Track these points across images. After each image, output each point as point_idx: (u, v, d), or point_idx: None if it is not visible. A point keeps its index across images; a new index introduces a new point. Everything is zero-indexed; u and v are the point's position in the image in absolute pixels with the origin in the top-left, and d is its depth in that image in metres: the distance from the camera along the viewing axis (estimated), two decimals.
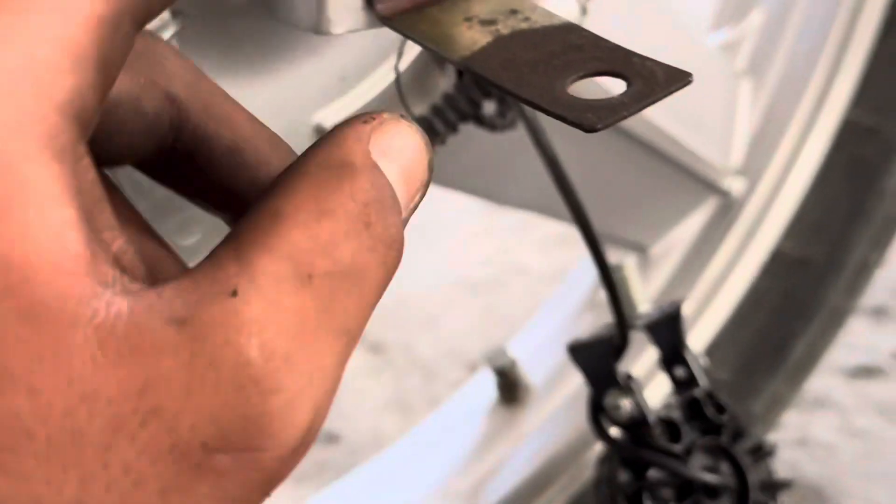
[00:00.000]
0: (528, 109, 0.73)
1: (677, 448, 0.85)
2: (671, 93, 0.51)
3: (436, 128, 0.74)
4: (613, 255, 1.10)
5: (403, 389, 1.61)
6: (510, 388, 1.09)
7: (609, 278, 0.81)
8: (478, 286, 1.78)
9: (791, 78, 1.11)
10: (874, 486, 1.17)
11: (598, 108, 0.50)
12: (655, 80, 0.51)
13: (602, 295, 1.07)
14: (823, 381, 1.33)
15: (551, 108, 0.50)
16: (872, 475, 1.18)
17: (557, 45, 0.50)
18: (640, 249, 1.12)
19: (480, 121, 0.79)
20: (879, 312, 1.40)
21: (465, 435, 1.10)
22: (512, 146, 0.92)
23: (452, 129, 0.75)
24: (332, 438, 1.56)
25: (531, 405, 1.10)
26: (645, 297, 0.90)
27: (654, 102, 0.51)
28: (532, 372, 1.12)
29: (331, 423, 1.52)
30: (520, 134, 0.81)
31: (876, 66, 1.09)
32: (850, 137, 1.11)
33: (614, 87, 0.49)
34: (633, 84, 0.51)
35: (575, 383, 1.09)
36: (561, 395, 1.09)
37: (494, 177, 0.96)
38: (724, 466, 0.88)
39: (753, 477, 0.88)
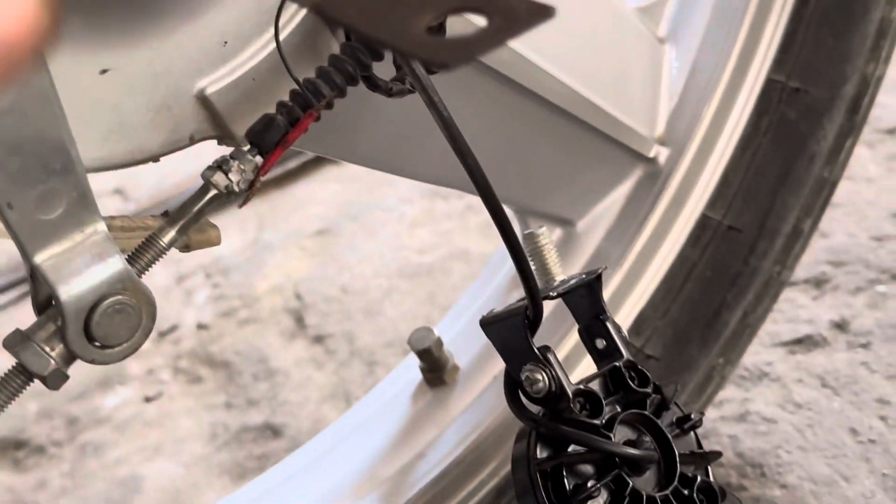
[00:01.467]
0: (420, 68, 0.70)
1: (597, 422, 0.81)
2: (532, 27, 0.48)
3: (322, 91, 0.70)
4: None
5: (346, 380, 1.58)
6: (437, 369, 1.05)
7: (515, 245, 0.77)
8: (419, 273, 1.75)
9: (713, 42, 1.08)
10: (813, 458, 1.15)
11: (453, 45, 0.47)
12: (515, 15, 0.48)
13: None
14: (764, 355, 1.30)
15: (403, 47, 0.47)
16: (812, 447, 1.16)
17: None
18: (568, 224, 1.09)
19: (374, 85, 0.76)
20: (820, 282, 1.37)
21: (391, 420, 1.06)
22: (420, 117, 0.89)
23: (340, 92, 0.71)
24: (276, 432, 1.52)
25: (459, 387, 1.06)
26: (560, 267, 0.86)
27: (513, 37, 0.47)
28: (459, 353, 1.08)
29: (273, 417, 1.49)
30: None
31: (799, 27, 1.07)
32: (775, 100, 1.08)
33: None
34: (493, 20, 0.48)
35: (503, 362, 1.06)
36: (490, 375, 1.06)
37: (404, 149, 0.93)
38: (649, 440, 0.84)
39: (679, 448, 0.85)
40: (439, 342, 1.05)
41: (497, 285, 1.13)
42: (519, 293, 1.09)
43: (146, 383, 1.77)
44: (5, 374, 0.65)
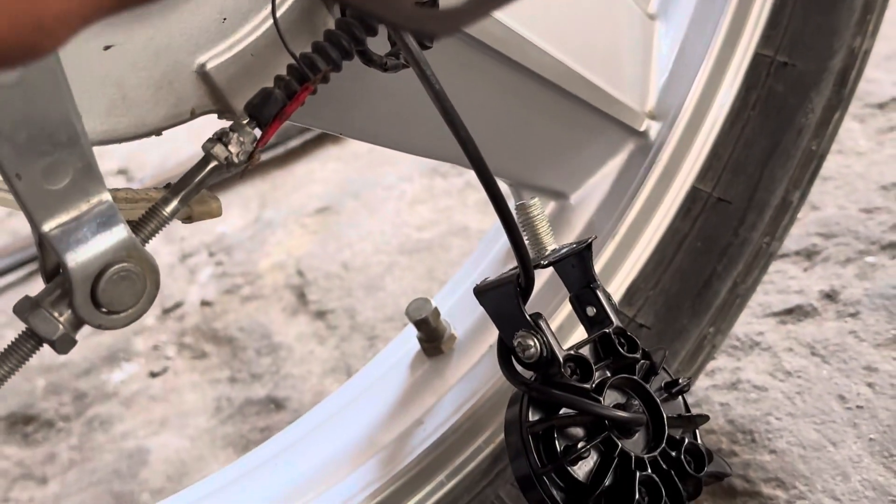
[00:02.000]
0: (412, 42, 0.72)
1: (587, 386, 0.84)
2: None
3: (317, 65, 0.73)
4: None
5: (347, 354, 1.61)
6: (434, 339, 1.08)
7: (506, 214, 0.80)
8: (419, 250, 1.77)
9: (703, 18, 1.10)
10: (802, 424, 1.17)
11: (441, 16, 0.49)
12: None
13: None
14: (755, 325, 1.33)
15: (393, 19, 0.50)
16: (800, 414, 1.19)
17: None
18: (561, 197, 1.12)
19: (369, 59, 0.78)
20: (810, 254, 1.40)
21: (389, 389, 1.09)
22: (415, 91, 0.91)
23: (335, 66, 0.74)
24: (279, 405, 1.55)
25: (456, 356, 1.09)
26: (552, 237, 0.88)
27: (499, 7, 0.50)
28: (457, 323, 1.11)
29: (276, 391, 1.52)
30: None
31: (786, 2, 1.09)
32: (764, 74, 1.10)
33: None
34: None
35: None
36: (486, 344, 1.09)
37: (399, 124, 0.95)
38: (638, 403, 0.87)
39: (667, 412, 0.88)
40: (436, 312, 1.07)
41: (493, 257, 1.16)
42: (514, 264, 1.12)
43: (152, 359, 1.80)
44: (15, 339, 0.68)
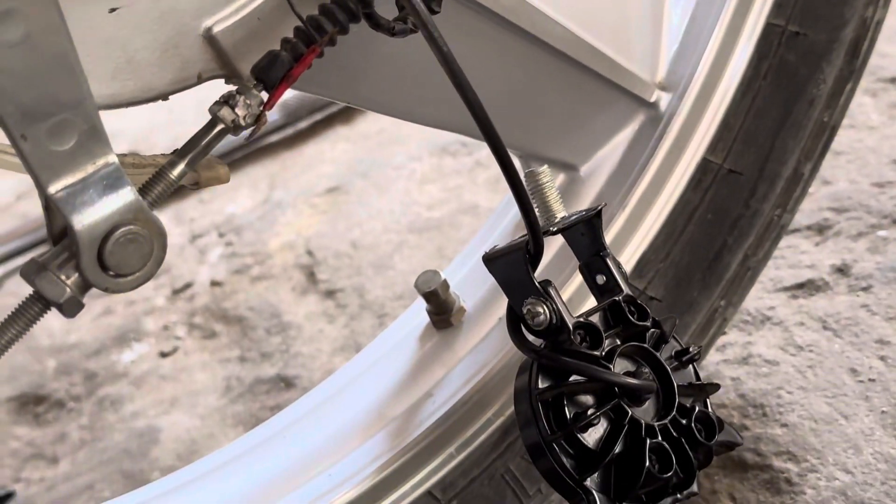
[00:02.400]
0: (421, 5, 0.72)
1: (597, 353, 0.83)
2: None
3: (324, 27, 0.72)
4: None
5: (356, 332, 1.60)
6: (443, 311, 1.08)
7: (516, 180, 0.79)
8: (429, 228, 1.77)
9: None
10: (813, 398, 1.17)
11: None
12: None
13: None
14: (767, 300, 1.32)
15: None
16: (812, 387, 1.18)
17: None
18: (571, 169, 1.11)
19: (377, 24, 0.78)
20: (822, 228, 1.39)
21: (399, 361, 1.09)
22: (424, 58, 0.91)
23: (342, 28, 0.73)
24: (288, 383, 1.55)
25: (465, 328, 1.09)
26: (561, 204, 0.88)
27: None
28: (466, 295, 1.11)
29: (286, 369, 1.51)
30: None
31: None
32: (775, 44, 1.09)
33: None
34: None
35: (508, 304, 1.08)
36: (496, 316, 1.08)
37: (407, 92, 0.95)
38: (648, 371, 0.87)
39: (677, 380, 0.87)
40: (445, 284, 1.07)
41: (503, 230, 1.15)
42: (521, 238, 1.11)
43: (162, 339, 1.80)
44: (22, 302, 0.68)
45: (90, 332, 1.88)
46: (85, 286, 0.68)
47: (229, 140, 2.20)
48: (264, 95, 0.72)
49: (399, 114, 0.97)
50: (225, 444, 1.50)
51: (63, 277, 0.67)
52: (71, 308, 0.67)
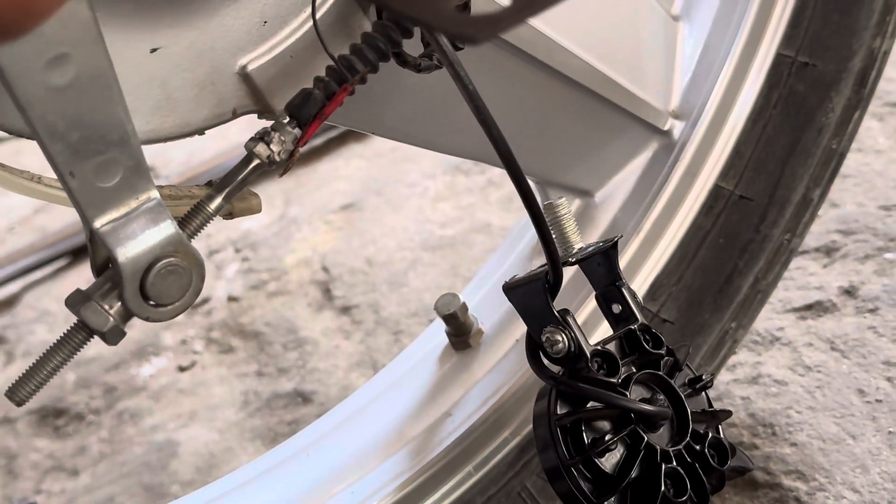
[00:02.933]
0: (444, 44, 0.75)
1: (614, 380, 0.86)
2: (553, 6, 0.53)
3: (356, 67, 0.75)
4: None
5: (372, 348, 1.63)
6: (462, 333, 1.11)
7: (537, 213, 0.82)
8: (442, 246, 1.80)
9: (725, 19, 1.12)
10: (822, 417, 1.19)
11: (480, 21, 0.52)
12: None
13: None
14: (776, 320, 1.35)
15: (435, 23, 0.52)
16: (820, 407, 1.21)
17: None
18: (586, 195, 1.14)
19: (404, 61, 0.81)
20: (830, 251, 1.42)
21: (419, 381, 1.12)
22: (446, 92, 0.94)
23: (373, 68, 0.76)
24: (306, 399, 1.58)
25: (483, 350, 1.12)
26: (579, 235, 0.91)
27: (535, 15, 0.53)
28: (483, 318, 1.13)
29: (303, 385, 1.54)
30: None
31: (807, 2, 1.11)
32: (785, 74, 1.12)
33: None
34: None
35: (525, 326, 1.11)
36: (513, 338, 1.11)
37: (429, 123, 0.98)
38: (662, 398, 0.89)
39: (691, 407, 0.90)
40: (464, 307, 1.10)
41: (518, 254, 1.18)
42: (540, 261, 1.14)
43: (180, 353, 1.83)
44: (67, 330, 0.71)
45: (109, 347, 1.91)
46: (127, 315, 0.71)
47: (229, 158, 2.24)
48: (297, 131, 0.75)
49: (421, 143, 1.00)
50: (243, 459, 1.54)
51: (106, 307, 0.70)
52: (114, 337, 0.71)
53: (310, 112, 0.75)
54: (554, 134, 1.06)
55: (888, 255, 1.37)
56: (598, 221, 1.14)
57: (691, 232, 1.13)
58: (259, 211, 0.82)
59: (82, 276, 2.19)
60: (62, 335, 0.71)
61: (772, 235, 1.15)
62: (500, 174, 1.92)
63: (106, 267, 0.71)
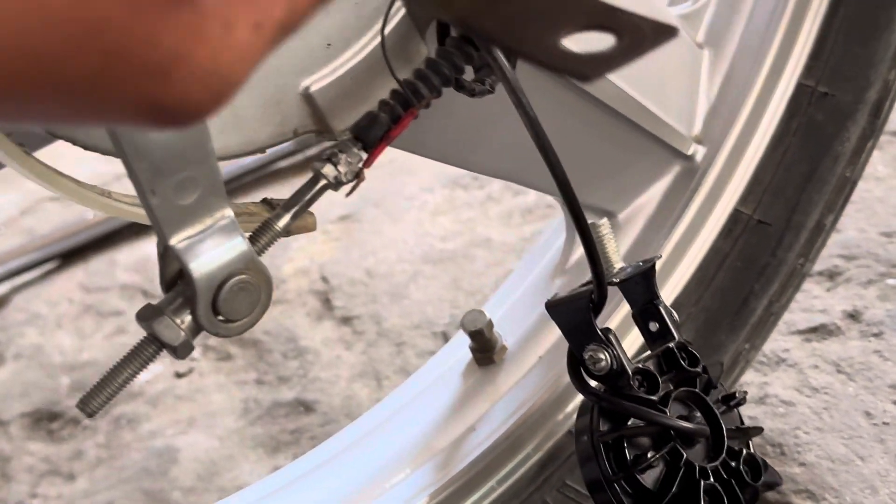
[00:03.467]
0: (509, 73, 0.77)
1: (654, 398, 0.89)
2: (657, 46, 0.55)
3: (421, 91, 0.77)
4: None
5: (374, 359, 1.65)
6: (487, 349, 1.13)
7: (587, 235, 0.85)
8: (443, 259, 1.82)
9: (749, 48, 1.15)
10: (830, 438, 1.22)
11: (591, 60, 0.54)
12: (643, 34, 0.55)
13: (573, 259, 1.12)
14: (781, 342, 1.38)
15: (547, 60, 0.54)
16: (828, 428, 1.24)
17: (545, 2, 0.54)
18: (610, 215, 1.16)
19: (461, 86, 0.83)
20: (833, 275, 1.46)
21: (443, 395, 1.14)
22: (487, 114, 0.96)
23: (437, 92, 0.78)
24: (308, 408, 1.59)
25: (506, 366, 1.14)
26: (619, 256, 0.93)
27: (642, 55, 0.55)
28: (505, 335, 1.15)
29: (305, 394, 1.55)
30: (496, 101, 0.85)
31: (828, 35, 1.14)
32: (805, 103, 1.16)
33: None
34: (622, 38, 0.55)
35: (548, 343, 1.14)
36: (535, 356, 1.13)
37: (470, 144, 1.00)
38: (698, 415, 0.92)
39: (726, 424, 0.93)
40: (490, 324, 1.12)
41: (539, 273, 1.20)
42: (561, 281, 1.17)
43: (176, 360, 1.83)
44: (138, 343, 0.72)
45: (103, 351, 1.91)
46: (197, 330, 0.72)
47: (238, 163, 2.24)
48: (363, 154, 0.77)
49: (457, 162, 1.02)
50: (245, 467, 1.55)
51: (178, 322, 0.71)
52: (184, 351, 0.72)
53: (376, 134, 0.77)
54: (584, 155, 1.09)
55: (890, 281, 1.41)
56: (622, 241, 1.16)
57: (711, 254, 1.16)
58: (314, 229, 0.84)
59: (73, 280, 2.19)
60: (132, 348, 0.72)
61: (787, 259, 1.18)
62: (499, 190, 1.95)
63: (175, 282, 0.72)
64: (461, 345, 1.16)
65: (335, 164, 0.75)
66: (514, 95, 0.78)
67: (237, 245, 0.71)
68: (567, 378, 1.08)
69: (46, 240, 2.29)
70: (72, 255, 2.28)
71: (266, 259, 1.91)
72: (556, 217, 1.75)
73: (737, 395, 0.96)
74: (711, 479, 0.89)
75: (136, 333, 1.71)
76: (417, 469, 1.08)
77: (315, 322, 1.78)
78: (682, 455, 0.88)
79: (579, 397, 1.10)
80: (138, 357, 0.72)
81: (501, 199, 1.91)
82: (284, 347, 1.75)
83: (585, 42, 0.61)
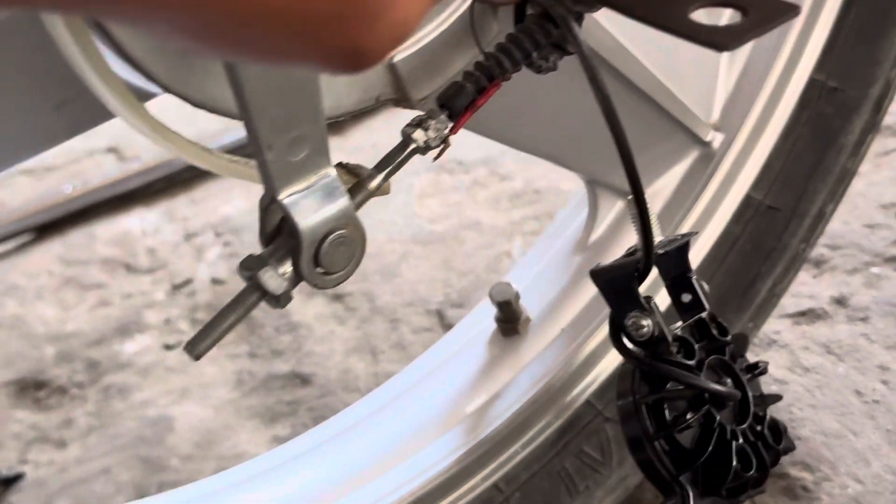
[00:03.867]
0: (586, 49, 0.82)
1: (692, 363, 0.94)
2: (782, 22, 0.61)
3: (504, 64, 0.82)
4: (606, 203, 1.20)
5: (369, 335, 1.69)
6: (512, 320, 1.18)
7: (643, 207, 0.90)
8: (433, 241, 1.86)
9: (765, 43, 1.22)
10: (823, 415, 1.30)
11: (725, 32, 0.60)
12: (770, 11, 0.61)
13: (594, 237, 1.18)
14: (772, 325, 1.45)
15: (685, 32, 0.60)
16: (821, 405, 1.31)
17: None
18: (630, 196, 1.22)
19: (530, 63, 0.88)
20: (819, 263, 1.53)
21: (469, 363, 1.18)
22: (532, 91, 1.01)
23: (518, 66, 0.83)
24: (304, 380, 1.63)
25: (530, 337, 1.19)
26: (659, 230, 0.98)
27: (768, 30, 0.60)
28: (528, 306, 1.21)
29: (300, 367, 1.59)
30: (543, 79, 0.90)
31: (840, 33, 1.21)
32: (815, 97, 1.22)
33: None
34: (751, 13, 0.60)
35: (569, 317, 1.19)
36: (558, 328, 1.18)
37: (512, 120, 1.04)
38: (729, 381, 0.98)
39: (752, 391, 0.99)
40: (517, 296, 1.17)
41: (558, 250, 1.25)
42: (580, 258, 1.22)
43: (164, 332, 1.85)
44: (241, 291, 0.76)
45: (88, 322, 1.93)
46: (297, 281, 0.76)
47: (219, 142, 2.26)
48: (449, 122, 0.81)
49: (499, 138, 1.07)
50: (243, 436, 1.58)
51: (281, 272, 0.75)
52: (285, 300, 0.76)
53: (462, 103, 0.81)
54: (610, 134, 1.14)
55: (874, 270, 1.49)
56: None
57: (723, 237, 1.22)
58: (388, 192, 0.88)
59: (50, 253, 2.19)
60: (236, 296, 0.76)
61: (791, 244, 1.25)
62: (485, 175, 2.00)
63: (274, 236, 0.76)
64: (485, 315, 1.21)
65: (424, 130, 0.80)
66: (589, 71, 0.83)
67: (340, 201, 0.75)
68: (587, 351, 1.15)
69: (20, 213, 2.29)
70: (47, 228, 2.28)
71: (251, 236, 1.94)
72: (549, 201, 1.81)
73: (759, 365, 1.02)
74: (741, 441, 0.95)
75: (122, 307, 1.76)
76: (448, 432, 1.12)
77: (306, 298, 1.81)
78: (716, 417, 0.93)
79: (597, 369, 1.17)
80: (242, 304, 0.75)
81: (488, 184, 1.96)
82: (276, 322, 1.78)
83: (712, 15, 0.67)
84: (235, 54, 0.46)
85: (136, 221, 2.20)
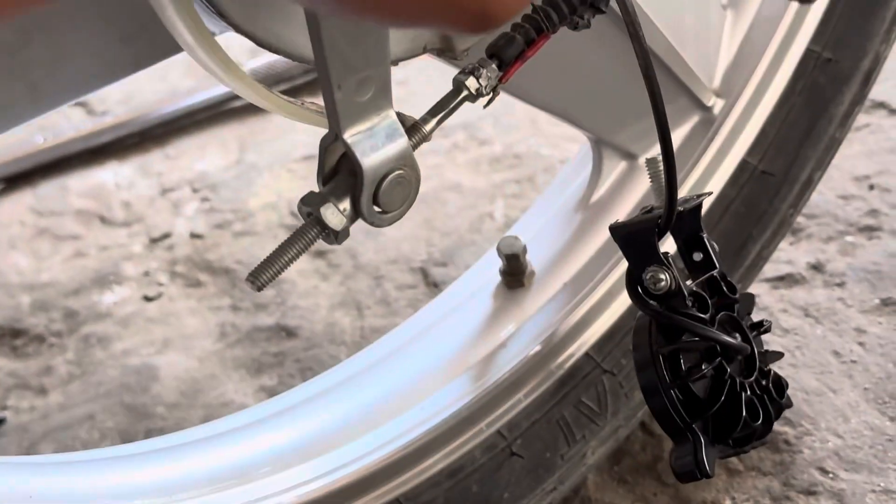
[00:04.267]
0: (630, 6, 0.85)
1: (706, 317, 0.99)
2: None
3: (552, 18, 0.85)
4: (610, 163, 1.24)
5: (353, 290, 1.71)
6: (518, 273, 1.21)
7: (672, 164, 0.94)
8: (416, 201, 1.89)
9: (767, 13, 1.26)
10: (803, 373, 1.35)
11: None
12: None
13: (596, 197, 1.22)
14: (750, 288, 1.50)
15: None
16: (801, 364, 1.37)
17: None
18: (631, 157, 1.26)
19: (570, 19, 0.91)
20: (795, 231, 1.59)
21: (474, 313, 1.22)
22: (554, 50, 1.04)
23: (564, 20, 0.86)
24: (290, 333, 1.65)
25: (534, 290, 1.23)
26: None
27: None
28: (532, 259, 1.24)
29: (285, 320, 1.61)
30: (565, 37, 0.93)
31: (837, 5, 1.27)
32: (811, 67, 1.27)
33: None
34: None
35: (572, 271, 1.23)
36: (560, 282, 1.22)
37: (530, 76, 1.08)
38: (738, 336, 1.03)
39: (757, 346, 1.04)
40: (525, 249, 1.21)
41: (559, 209, 1.29)
42: (582, 216, 1.26)
43: (143, 284, 1.86)
44: (301, 227, 0.78)
45: (64, 273, 1.93)
46: (354, 218, 0.79)
47: (191, 102, 2.27)
48: (498, 72, 0.84)
49: (520, 96, 1.11)
50: (229, 385, 1.60)
51: (341, 208, 0.78)
52: (343, 236, 0.79)
53: (511, 53, 0.84)
54: (622, 97, 1.18)
55: (849, 238, 1.55)
56: (641, 183, 1.26)
57: (718, 200, 1.27)
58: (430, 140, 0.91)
59: (21, 203, 2.18)
60: (296, 231, 0.78)
61: (780, 209, 1.30)
62: (464, 139, 2.03)
63: (332, 175, 0.79)
64: (488, 267, 1.25)
65: (477, 78, 0.83)
66: (631, 27, 0.86)
67: (400, 142, 0.78)
68: (588, 305, 1.19)
69: None
70: (16, 179, 2.26)
71: (229, 192, 1.95)
72: (529, 165, 1.84)
73: (764, 323, 1.07)
74: (749, 393, 1.00)
75: (99, 258, 1.79)
76: (455, 379, 1.16)
77: None
78: (727, 369, 0.98)
79: (599, 322, 1.21)
80: (302, 239, 0.78)
81: (467, 148, 1.99)
82: None
83: None
84: (371, 13, 0.49)
85: (109, 175, 2.19)
